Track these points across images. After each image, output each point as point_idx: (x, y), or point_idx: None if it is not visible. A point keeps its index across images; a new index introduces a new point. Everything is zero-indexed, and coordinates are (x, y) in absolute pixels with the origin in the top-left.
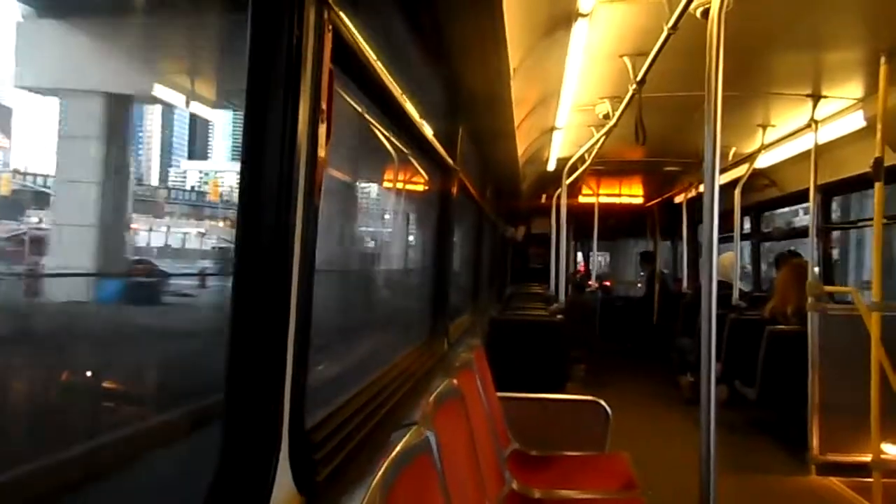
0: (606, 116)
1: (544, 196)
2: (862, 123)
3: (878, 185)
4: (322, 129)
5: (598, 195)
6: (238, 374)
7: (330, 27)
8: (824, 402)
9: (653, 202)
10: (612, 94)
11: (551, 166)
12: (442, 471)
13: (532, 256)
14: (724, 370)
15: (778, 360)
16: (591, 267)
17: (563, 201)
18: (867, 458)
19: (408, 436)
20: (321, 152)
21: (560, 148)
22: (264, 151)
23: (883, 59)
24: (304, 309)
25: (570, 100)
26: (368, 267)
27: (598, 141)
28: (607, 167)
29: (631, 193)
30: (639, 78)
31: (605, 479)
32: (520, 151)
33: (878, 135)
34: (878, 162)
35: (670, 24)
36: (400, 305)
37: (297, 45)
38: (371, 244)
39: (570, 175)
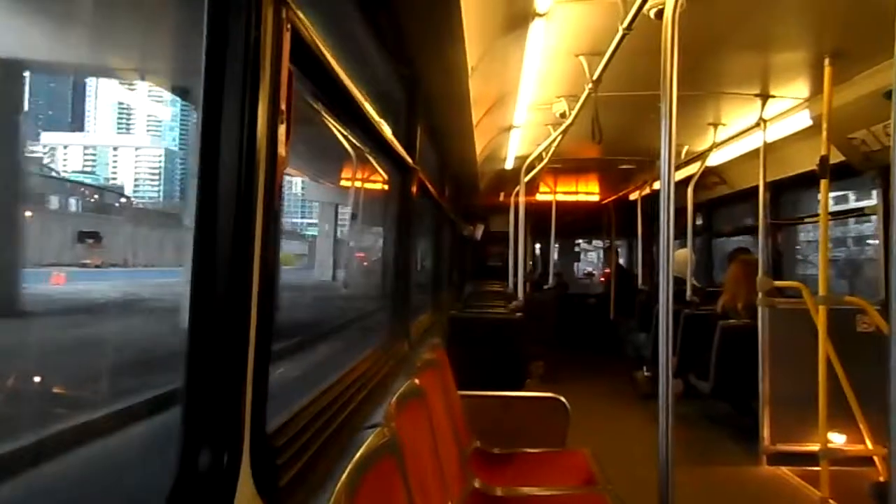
0: (563, 115)
1: (503, 194)
2: (808, 122)
3: (823, 182)
4: (282, 129)
5: (555, 193)
6: (197, 380)
7: (289, 26)
8: (774, 394)
9: (609, 199)
10: (568, 93)
11: (509, 164)
12: (405, 472)
13: (491, 254)
14: (678, 365)
15: (730, 354)
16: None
17: (521, 199)
18: (815, 447)
19: (371, 438)
20: (281, 153)
21: (518, 146)
22: (221, 154)
23: (827, 61)
24: (265, 313)
25: (527, 98)
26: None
27: (555, 139)
28: (565, 165)
29: (588, 191)
30: (594, 77)
31: (567, 474)
32: (478, 150)
33: (824, 134)
34: (824, 160)
35: (625, 24)
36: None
37: (255, 44)
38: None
39: (527, 173)
